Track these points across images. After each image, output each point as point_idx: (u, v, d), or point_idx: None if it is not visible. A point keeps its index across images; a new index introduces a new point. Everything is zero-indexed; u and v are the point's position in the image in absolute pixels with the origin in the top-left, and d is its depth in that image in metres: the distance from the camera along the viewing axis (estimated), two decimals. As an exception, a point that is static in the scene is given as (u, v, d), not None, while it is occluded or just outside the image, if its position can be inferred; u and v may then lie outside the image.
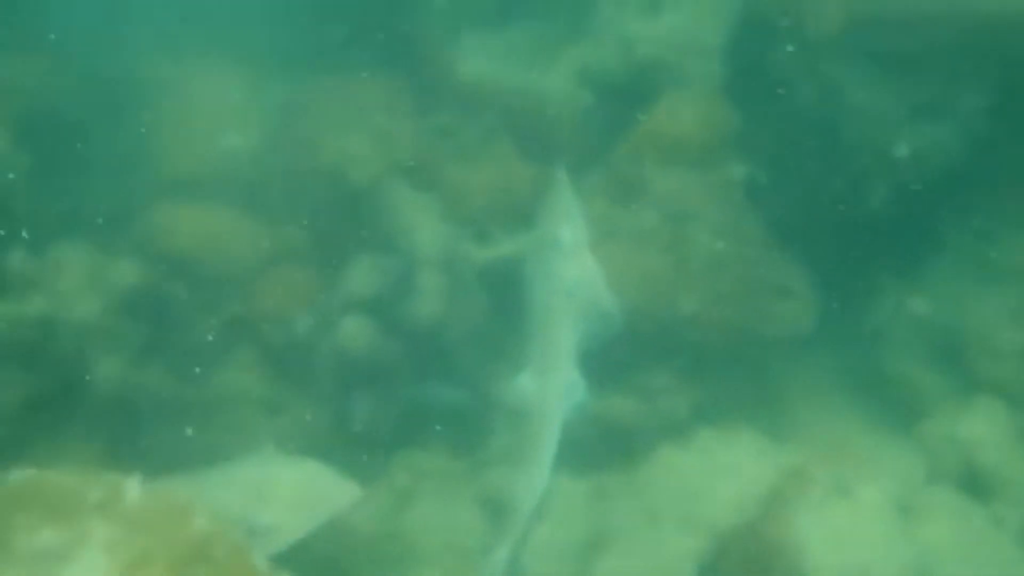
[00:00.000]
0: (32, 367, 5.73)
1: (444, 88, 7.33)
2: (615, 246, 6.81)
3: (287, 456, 5.31)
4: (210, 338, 6.32)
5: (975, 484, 6.45)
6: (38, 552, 3.81)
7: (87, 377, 5.65)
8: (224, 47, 7.56)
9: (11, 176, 5.94)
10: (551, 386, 6.42)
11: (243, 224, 6.65)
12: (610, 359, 6.55)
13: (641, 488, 6.36)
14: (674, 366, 6.69)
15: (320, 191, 6.70)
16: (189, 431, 5.94)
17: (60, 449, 6.08)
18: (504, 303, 6.89)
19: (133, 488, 4.09)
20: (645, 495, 6.36)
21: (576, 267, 6.56)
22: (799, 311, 6.89)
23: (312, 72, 7.29)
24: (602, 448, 6.54)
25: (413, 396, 6.28)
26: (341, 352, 5.87)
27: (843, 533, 5.67)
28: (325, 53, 7.35)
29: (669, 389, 6.66)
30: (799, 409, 7.03)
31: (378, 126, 6.99)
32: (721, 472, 6.46)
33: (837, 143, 7.08)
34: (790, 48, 6.99)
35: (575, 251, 6.60)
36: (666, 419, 6.61)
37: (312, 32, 7.50)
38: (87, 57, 6.83)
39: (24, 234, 5.89)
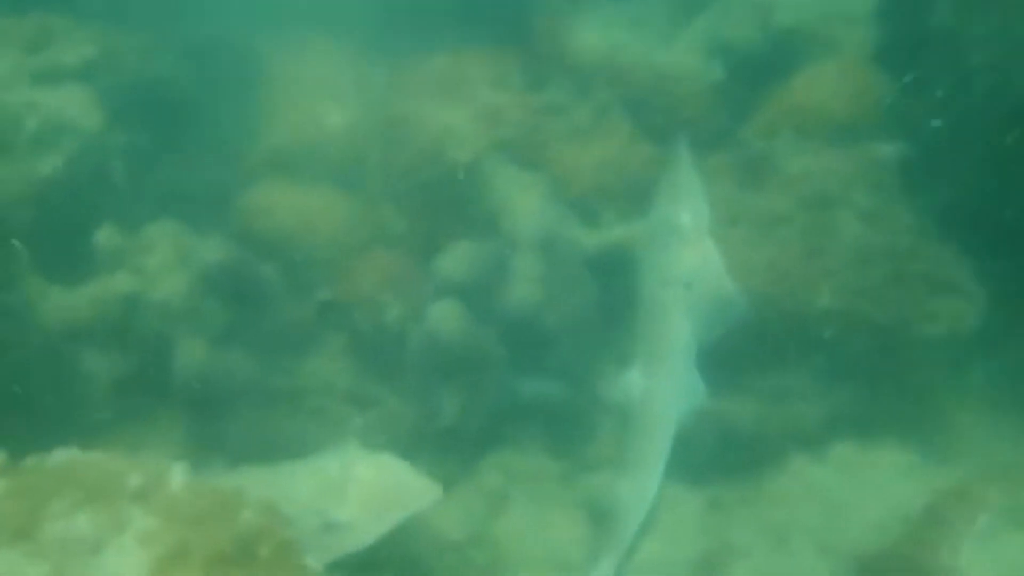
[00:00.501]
0: (118, 348, 5.54)
1: (557, 63, 6.78)
2: (741, 232, 6.09)
3: (370, 451, 4.88)
4: (300, 323, 5.99)
5: None
6: (70, 539, 3.48)
7: (170, 359, 5.39)
8: (327, 21, 7.27)
9: (107, 154, 5.79)
10: (664, 384, 5.77)
11: (339, 204, 6.30)
12: (732, 357, 5.83)
13: (765, 503, 5.59)
14: (806, 367, 5.88)
15: (421, 171, 6.28)
16: (271, 420, 5.60)
17: (144, 434, 5.89)
18: (614, 293, 6.28)
19: (177, 476, 3.72)
20: (770, 511, 5.58)
21: (696, 255, 5.87)
22: (960, 309, 5.93)
23: (417, 46, 6.88)
24: (721, 456, 5.80)
25: (508, 390, 5.72)
26: (432, 340, 5.38)
27: (1018, 570, 4.72)
28: (431, 26, 6.93)
29: (800, 393, 5.85)
30: (957, 422, 6.05)
31: (484, 102, 6.51)
32: (862, 489, 5.61)
33: (1007, 118, 6.09)
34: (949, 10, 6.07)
35: (695, 237, 5.90)
36: (795, 427, 5.81)
37: (418, 4, 7.10)
38: (187, 32, 6.65)
39: (116, 212, 5.73)
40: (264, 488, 4.26)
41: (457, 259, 5.48)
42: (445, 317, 5.29)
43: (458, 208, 6.09)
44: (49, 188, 5.60)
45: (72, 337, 5.52)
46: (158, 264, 5.57)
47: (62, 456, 3.78)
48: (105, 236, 5.47)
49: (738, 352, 5.86)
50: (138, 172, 6.03)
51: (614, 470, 5.90)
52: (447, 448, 5.70)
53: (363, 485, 4.65)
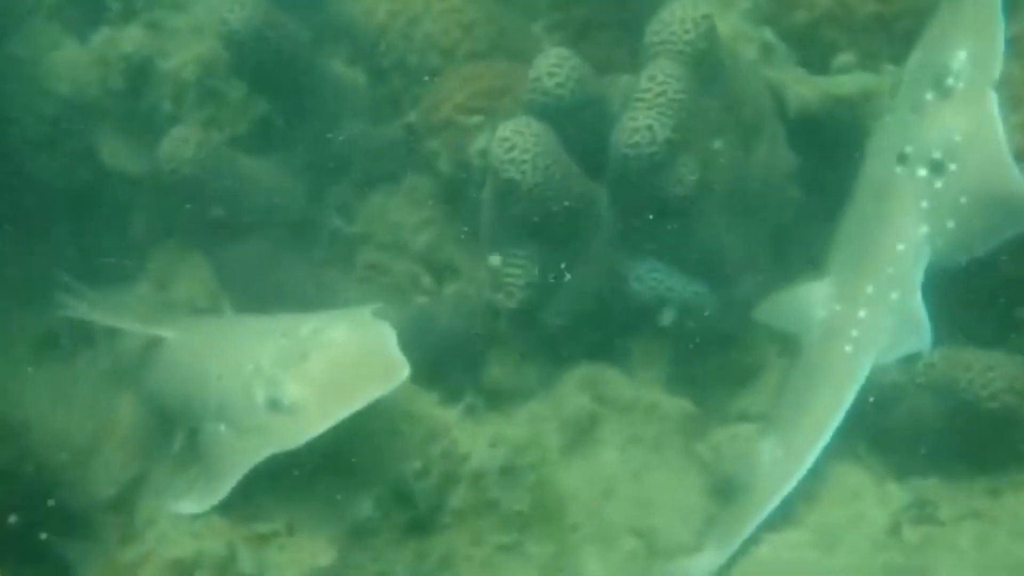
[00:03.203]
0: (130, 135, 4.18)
1: None
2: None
3: (372, 320, 3.29)
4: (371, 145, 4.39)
5: None
6: None
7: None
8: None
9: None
10: (867, 313, 3.83)
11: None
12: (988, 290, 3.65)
13: (1003, 525, 3.46)
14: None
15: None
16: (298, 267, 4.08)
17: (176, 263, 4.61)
18: (820, 173, 4.22)
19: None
20: (1007, 541, 3.43)
21: (966, 117, 3.70)
22: None
23: None
24: (941, 439, 3.67)
25: (617, 277, 3.83)
26: (499, 180, 3.55)
27: None
28: None
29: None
30: None
31: None
32: None
33: None
34: None
35: (972, 89, 3.67)
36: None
37: None
38: None
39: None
40: (229, 348, 3.51)
41: (557, 61, 3.54)
42: (518, 146, 3.42)
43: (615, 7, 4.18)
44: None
45: (82, 112, 4.25)
46: (185, 20, 4.12)
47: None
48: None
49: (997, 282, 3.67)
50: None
51: (761, 423, 3.96)
52: (524, 345, 3.94)
53: (327, 357, 3.10)
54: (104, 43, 4.09)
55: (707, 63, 3.62)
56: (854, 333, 3.80)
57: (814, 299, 3.91)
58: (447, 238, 4.46)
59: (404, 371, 3.04)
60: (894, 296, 3.78)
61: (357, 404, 3.01)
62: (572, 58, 3.62)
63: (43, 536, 3.83)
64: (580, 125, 3.66)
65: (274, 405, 3.08)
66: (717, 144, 3.65)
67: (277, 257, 4.05)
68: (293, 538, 3.37)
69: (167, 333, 3.86)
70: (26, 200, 4.61)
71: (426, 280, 4.42)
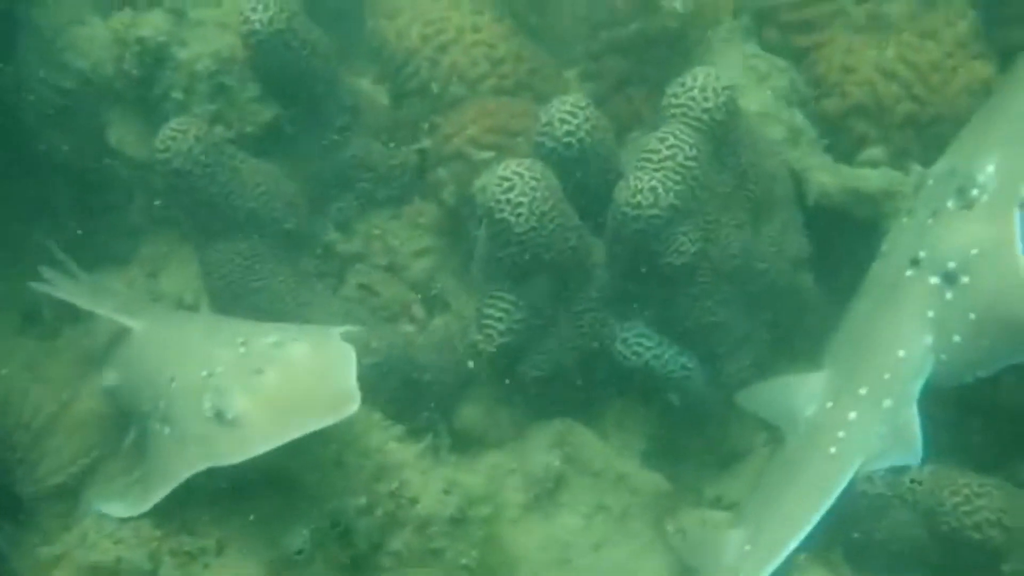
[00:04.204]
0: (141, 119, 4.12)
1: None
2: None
3: (337, 342, 3.15)
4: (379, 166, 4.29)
5: None
6: None
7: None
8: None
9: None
10: (861, 417, 3.65)
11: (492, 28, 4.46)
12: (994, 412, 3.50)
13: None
14: None
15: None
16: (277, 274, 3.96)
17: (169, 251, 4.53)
18: (829, 263, 4.08)
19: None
20: None
21: (984, 230, 3.56)
22: None
23: None
24: (922, 554, 3.47)
25: (605, 337, 3.68)
26: (495, 219, 3.39)
27: None
28: None
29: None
30: None
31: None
32: None
33: None
34: None
35: (994, 204, 3.55)
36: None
37: None
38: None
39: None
40: (188, 349, 3.38)
41: (571, 109, 3.39)
42: (516, 188, 3.27)
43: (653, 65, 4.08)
44: None
45: (96, 90, 4.20)
46: (214, 13, 4.06)
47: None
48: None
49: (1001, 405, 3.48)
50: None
51: (735, 515, 3.78)
52: (500, 391, 3.79)
53: (281, 374, 2.96)
54: (123, 23, 4.04)
55: (723, 135, 3.49)
56: (841, 434, 3.62)
57: (804, 392, 3.74)
58: (444, 269, 4.34)
59: (353, 404, 2.89)
60: (887, 403, 3.60)
61: (300, 431, 2.86)
62: (588, 107, 3.50)
63: (-20, 516, 3.71)
64: (588, 176, 3.53)
65: (219, 416, 2.93)
66: (722, 218, 3.50)
67: (263, 261, 3.94)
68: (220, 558, 3.22)
69: (134, 324, 3.75)
70: (33, 172, 4.56)
71: (417, 309, 4.30)
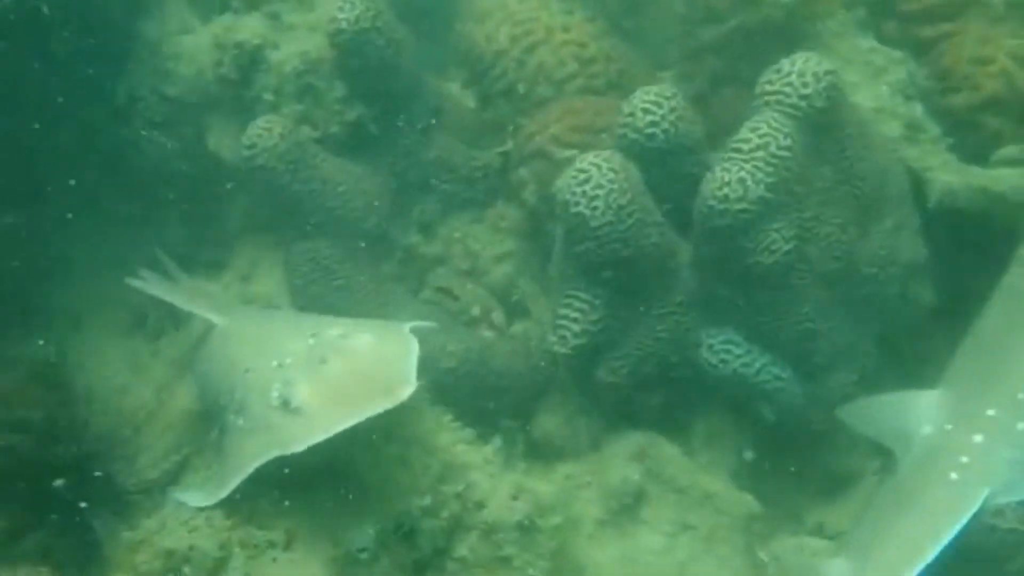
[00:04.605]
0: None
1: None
2: None
3: (403, 335, 3.09)
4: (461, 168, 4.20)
5: None
6: None
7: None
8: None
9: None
10: (984, 443, 3.28)
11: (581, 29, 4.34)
12: None
13: None
14: None
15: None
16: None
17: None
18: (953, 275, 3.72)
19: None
20: None
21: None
22: None
23: None
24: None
25: (690, 344, 3.44)
26: (570, 214, 3.23)
27: None
28: None
29: None
30: None
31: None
32: None
33: None
34: None
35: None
36: None
37: None
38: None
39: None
40: (263, 342, 3.37)
41: (656, 99, 3.19)
42: (592, 179, 3.10)
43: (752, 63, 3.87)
44: None
45: (199, 96, 4.31)
46: (307, 17, 4.10)
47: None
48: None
49: None
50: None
51: (838, 545, 3.44)
52: (579, 398, 3.61)
53: (344, 363, 2.95)
54: (222, 28, 4.14)
55: (824, 124, 3.23)
56: (964, 459, 3.24)
57: (917, 410, 3.38)
58: (524, 274, 4.21)
59: (408, 388, 2.81)
60: (1021, 427, 3.21)
61: (357, 417, 2.80)
62: (674, 97, 3.32)
63: (83, 505, 3.81)
64: (674, 170, 3.34)
65: (285, 404, 2.93)
66: (823, 216, 3.23)
67: (343, 262, 3.92)
68: (287, 553, 3.17)
69: (217, 319, 3.80)
70: (141, 180, 4.73)
71: (498, 315, 4.18)
